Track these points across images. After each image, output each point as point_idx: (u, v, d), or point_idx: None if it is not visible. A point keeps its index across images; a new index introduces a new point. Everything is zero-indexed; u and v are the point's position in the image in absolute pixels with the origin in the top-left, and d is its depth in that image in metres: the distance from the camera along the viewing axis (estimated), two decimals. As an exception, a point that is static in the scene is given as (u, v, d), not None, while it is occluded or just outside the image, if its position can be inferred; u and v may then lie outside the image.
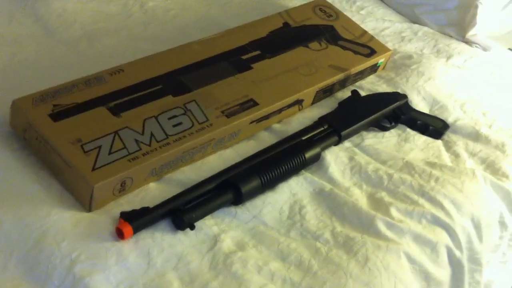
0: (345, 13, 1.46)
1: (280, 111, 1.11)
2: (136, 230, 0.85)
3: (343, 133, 1.11)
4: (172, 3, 1.35)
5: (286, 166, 1.00)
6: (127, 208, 0.89)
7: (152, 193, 0.93)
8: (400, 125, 1.21)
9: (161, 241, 0.87)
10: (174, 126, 0.98)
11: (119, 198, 0.91)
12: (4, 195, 0.86)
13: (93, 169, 0.87)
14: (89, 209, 0.87)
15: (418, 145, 1.18)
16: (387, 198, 1.04)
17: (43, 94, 0.95)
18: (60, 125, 0.92)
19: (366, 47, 1.29)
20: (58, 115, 0.93)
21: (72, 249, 0.81)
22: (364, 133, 1.17)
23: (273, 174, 0.98)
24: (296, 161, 1.01)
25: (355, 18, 1.47)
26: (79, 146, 0.89)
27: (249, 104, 1.06)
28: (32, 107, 0.93)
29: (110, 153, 0.90)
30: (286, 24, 1.28)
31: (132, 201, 0.91)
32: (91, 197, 0.86)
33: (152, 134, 0.95)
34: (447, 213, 1.03)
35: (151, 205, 0.89)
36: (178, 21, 1.30)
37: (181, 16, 1.32)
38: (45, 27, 1.18)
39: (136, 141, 0.93)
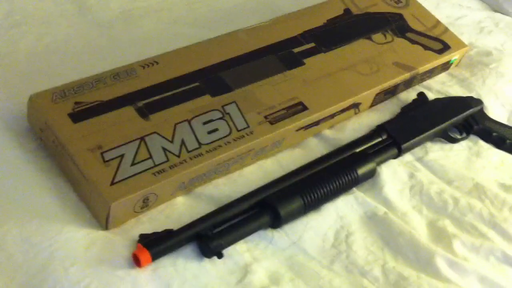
0: (417, -4, 1.29)
1: (332, 116, 0.97)
2: (156, 257, 0.75)
3: (404, 145, 0.96)
4: (223, -20, 1.21)
5: (334, 185, 0.86)
6: (149, 227, 0.79)
7: (179, 209, 0.82)
8: (471, 136, 1.04)
9: (184, 270, 0.76)
10: (209, 132, 0.85)
11: (141, 215, 0.80)
12: (11, 206, 0.76)
13: (112, 183, 0.76)
14: (106, 227, 0.77)
15: (492, 163, 1.01)
16: (450, 228, 0.89)
17: (64, 89, 0.84)
18: (80, 127, 0.81)
19: (439, 41, 1.12)
20: (79, 115, 0.82)
21: (82, 276, 0.71)
22: (428, 144, 1.01)
23: (319, 193, 0.85)
24: (346, 178, 0.88)
25: (428, 3, 1.29)
26: (98, 154, 0.78)
27: (298, 108, 0.92)
28: (51, 104, 0.82)
29: (133, 163, 0.79)
30: (347, 11, 1.12)
31: (156, 218, 0.81)
32: (108, 215, 0.75)
33: (183, 142, 0.83)
34: (521, 251, 0.88)
35: (176, 224, 0.79)
36: (227, 1, 1.16)
37: (231, -4, 1.18)
38: (78, 5, 1.07)
39: (164, 150, 0.81)
